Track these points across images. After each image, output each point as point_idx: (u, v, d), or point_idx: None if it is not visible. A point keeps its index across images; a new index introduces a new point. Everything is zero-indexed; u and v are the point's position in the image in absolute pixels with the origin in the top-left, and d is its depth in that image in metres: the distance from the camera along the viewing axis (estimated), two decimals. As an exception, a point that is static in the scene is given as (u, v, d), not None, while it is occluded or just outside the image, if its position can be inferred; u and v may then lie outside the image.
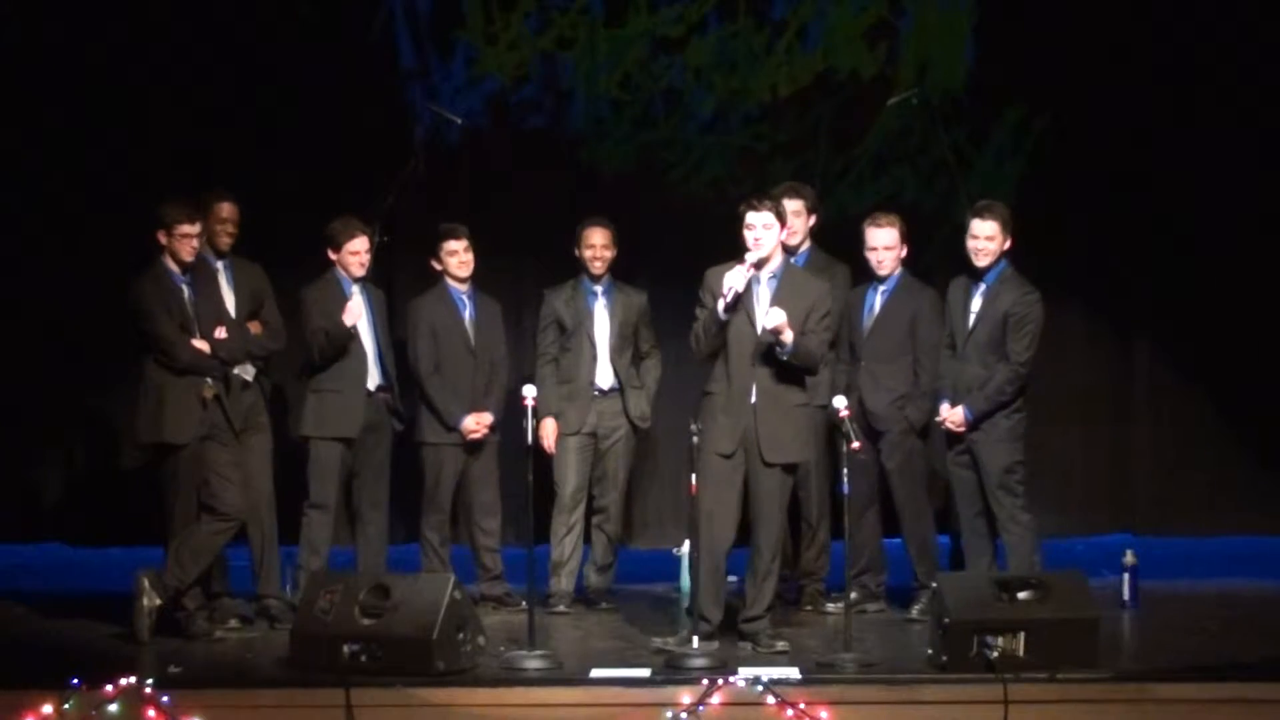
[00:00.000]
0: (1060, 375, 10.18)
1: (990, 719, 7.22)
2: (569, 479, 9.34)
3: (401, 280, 10.06)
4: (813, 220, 9.18)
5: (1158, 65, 10.38)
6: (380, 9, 10.52)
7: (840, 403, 7.99)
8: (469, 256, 9.25)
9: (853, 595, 8.41)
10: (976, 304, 8.71)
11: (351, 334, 8.98)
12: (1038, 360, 8.76)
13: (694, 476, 7.92)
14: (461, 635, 7.59)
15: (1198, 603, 9.39)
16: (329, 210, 9.21)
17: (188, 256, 8.45)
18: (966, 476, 8.73)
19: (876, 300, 9.03)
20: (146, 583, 8.28)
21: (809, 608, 9.12)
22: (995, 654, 7.45)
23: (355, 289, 9.04)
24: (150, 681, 7.26)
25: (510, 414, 9.11)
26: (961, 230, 8.82)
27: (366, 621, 7.62)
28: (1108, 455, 10.57)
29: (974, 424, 8.64)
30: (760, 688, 7.21)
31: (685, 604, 8.21)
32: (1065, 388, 10.35)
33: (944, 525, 9.26)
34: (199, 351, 8.43)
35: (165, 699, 7.19)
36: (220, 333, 8.51)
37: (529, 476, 7.99)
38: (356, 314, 8.98)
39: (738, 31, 10.51)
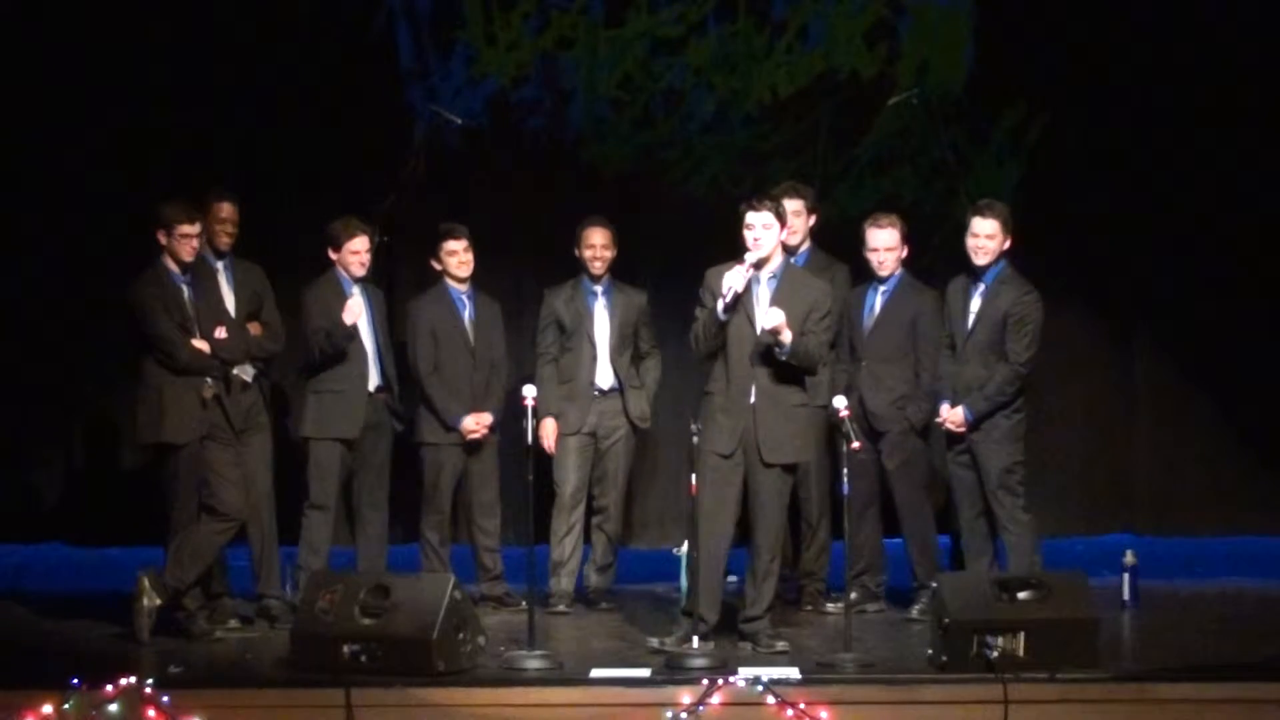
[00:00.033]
0: (1060, 375, 10.19)
1: (990, 719, 7.22)
2: (569, 479, 9.34)
3: (401, 280, 10.07)
4: (813, 220, 9.18)
5: (1158, 65, 10.38)
6: (380, 9, 10.52)
7: (840, 403, 7.99)
8: (469, 256, 9.25)
9: (853, 595, 8.41)
10: (976, 304, 8.72)
11: (352, 334, 8.98)
12: (1038, 360, 8.76)
13: (694, 476, 7.92)
14: (461, 635, 7.58)
15: (1198, 603, 9.40)
16: (329, 210, 9.22)
17: (188, 256, 8.45)
18: (966, 476, 8.74)
19: (877, 300, 9.03)
20: (146, 583, 8.28)
21: (809, 608, 9.12)
22: (995, 654, 7.45)
23: (355, 289, 9.04)
24: (150, 681, 7.26)
25: (510, 414, 9.11)
26: (961, 230, 8.83)
27: (366, 621, 7.62)
28: (1108, 455, 10.57)
29: (974, 424, 8.64)
30: (760, 688, 7.21)
31: (683, 604, 8.19)
32: (1065, 388, 10.35)
33: (944, 525, 9.26)
34: (199, 351, 8.43)
35: (165, 699, 7.19)
36: (220, 333, 8.51)
37: (529, 476, 7.98)
38: (356, 313, 8.98)
39: (738, 31, 10.51)
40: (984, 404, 8.63)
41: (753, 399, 8.04)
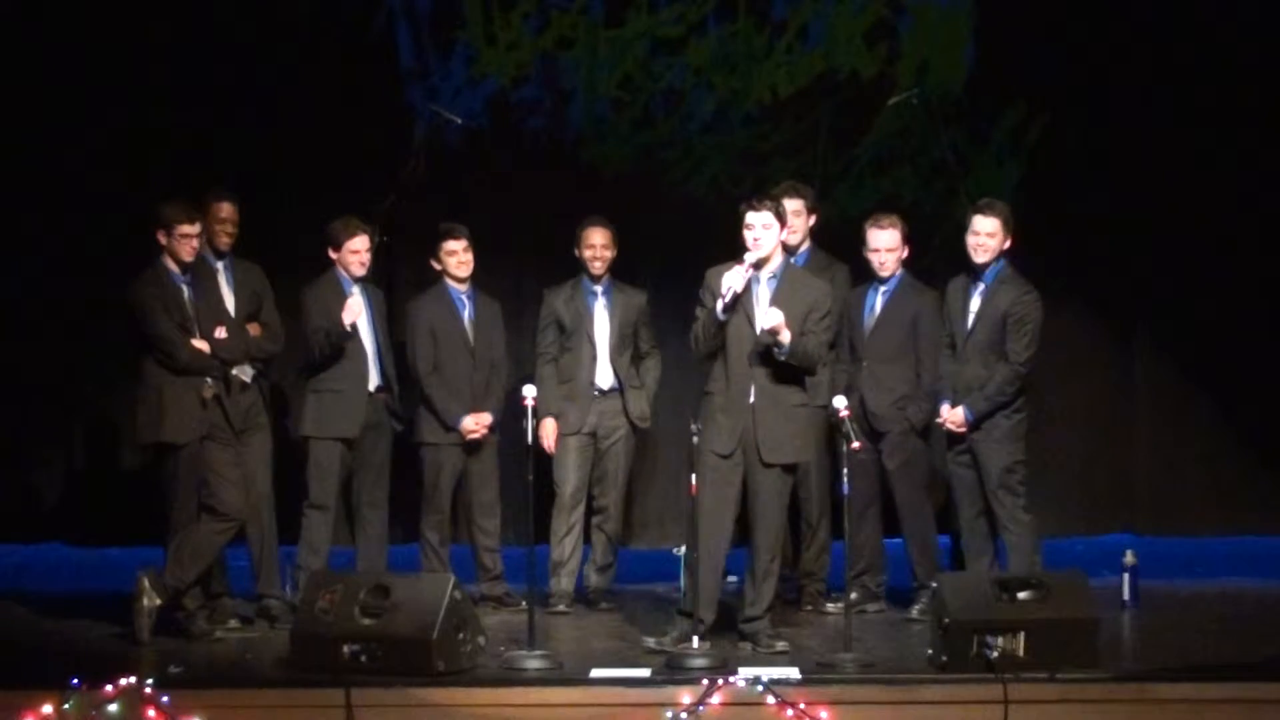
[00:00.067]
0: (1060, 375, 10.18)
1: (990, 719, 7.22)
2: (569, 479, 9.34)
3: (401, 280, 10.07)
4: (813, 220, 9.18)
5: (1158, 65, 10.38)
6: (380, 9, 10.52)
7: (840, 403, 7.98)
8: (468, 256, 9.25)
9: (853, 595, 8.41)
10: (975, 304, 8.72)
11: (351, 334, 8.98)
12: (1037, 360, 8.76)
13: (694, 476, 7.91)
14: (461, 635, 7.58)
15: (1198, 603, 9.40)
16: (329, 210, 9.21)
17: (187, 256, 8.45)
18: (967, 476, 8.74)
19: (878, 301, 9.03)
20: (146, 583, 8.27)
21: (809, 608, 9.12)
22: (995, 654, 7.45)
23: (355, 289, 9.04)
24: (150, 681, 7.26)
25: (510, 414, 9.11)
26: (962, 230, 8.83)
27: (366, 621, 7.62)
28: (1108, 455, 10.57)
29: (974, 424, 8.64)
30: (760, 688, 7.21)
31: (680, 604, 8.18)
32: (1065, 388, 10.34)
33: (944, 525, 9.26)
34: (199, 351, 8.42)
35: (165, 699, 7.19)
36: (220, 333, 8.51)
37: (529, 476, 7.98)
38: (356, 312, 8.98)
39: (738, 31, 10.51)
40: (984, 404, 8.63)
41: (752, 399, 8.04)
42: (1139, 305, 10.55)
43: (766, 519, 8.09)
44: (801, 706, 7.14)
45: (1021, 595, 7.71)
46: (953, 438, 8.74)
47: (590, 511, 9.45)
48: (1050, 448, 10.12)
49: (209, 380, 8.45)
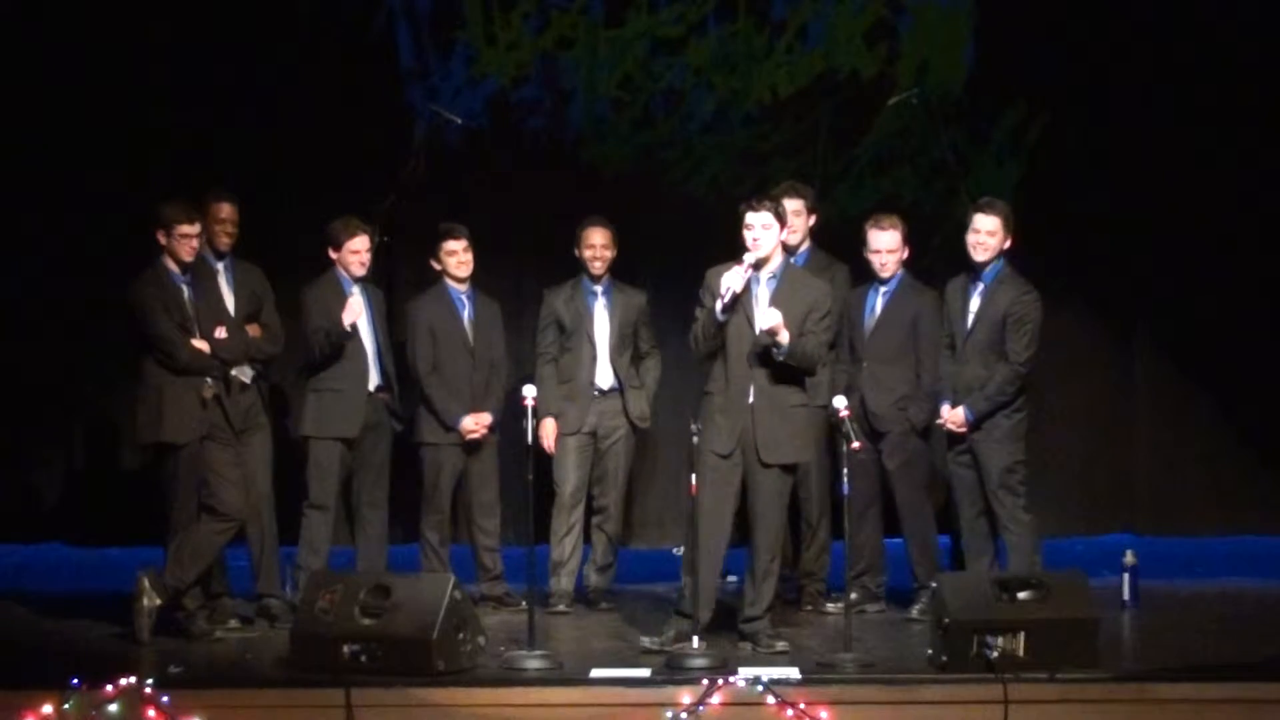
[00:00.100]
0: (1060, 375, 10.19)
1: (990, 719, 7.22)
2: (569, 479, 9.34)
3: (401, 280, 10.06)
4: (813, 220, 9.18)
5: (1158, 65, 10.38)
6: (380, 9, 10.52)
7: (840, 403, 7.98)
8: (468, 256, 9.25)
9: (853, 596, 8.41)
10: (975, 304, 8.72)
11: (351, 334, 8.98)
12: (1037, 360, 8.76)
13: (694, 477, 7.91)
14: (461, 635, 7.58)
15: (1198, 603, 9.40)
16: (329, 210, 9.21)
17: (187, 256, 8.45)
18: (967, 476, 8.74)
19: (878, 301, 9.03)
20: (146, 583, 8.28)
21: (809, 608, 9.12)
22: (995, 654, 7.45)
23: (355, 289, 9.04)
24: (150, 681, 7.26)
25: (510, 414, 9.11)
26: (962, 230, 8.83)
27: (366, 621, 7.62)
28: (1108, 455, 10.57)
29: (975, 424, 8.64)
30: (760, 688, 7.21)
31: (677, 604, 8.17)
32: (1065, 388, 10.34)
33: (944, 525, 9.26)
34: (199, 351, 8.42)
35: (165, 699, 7.19)
36: (220, 333, 8.51)
37: (529, 476, 7.98)
38: (356, 313, 8.98)
39: (738, 31, 10.51)
40: (984, 404, 8.63)
41: (751, 399, 8.04)
42: (1139, 305, 10.55)
43: (766, 519, 8.09)
44: (801, 706, 7.14)
45: (1021, 595, 7.71)
46: (953, 438, 8.74)
47: (590, 511, 9.45)
48: (1050, 447, 10.12)
49: (209, 380, 8.45)
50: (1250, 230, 10.36)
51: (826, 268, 9.06)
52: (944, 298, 8.90)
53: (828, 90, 10.53)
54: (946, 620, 7.53)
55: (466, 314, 9.31)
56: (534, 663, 7.64)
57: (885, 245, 8.94)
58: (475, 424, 9.18)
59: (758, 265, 8.03)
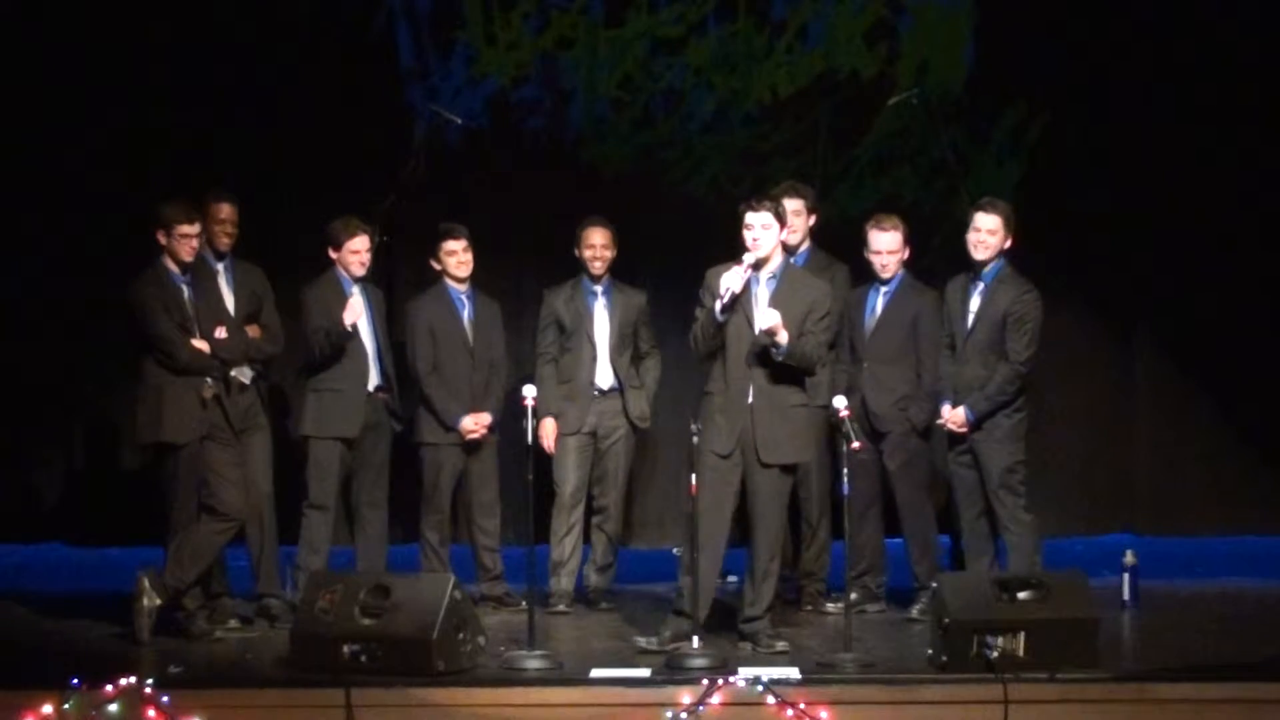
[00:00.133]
0: (1061, 374, 10.18)
1: (990, 719, 7.22)
2: (569, 479, 9.34)
3: (401, 280, 10.06)
4: (813, 220, 9.18)
5: (1157, 64, 10.38)
6: (380, 9, 10.52)
7: (840, 403, 7.97)
8: (468, 256, 9.25)
9: (853, 596, 8.40)
10: (975, 303, 8.72)
11: (352, 333, 8.98)
12: (1038, 359, 8.76)
13: (694, 477, 7.91)
14: (461, 635, 7.58)
15: (1198, 603, 9.39)
16: (329, 210, 9.21)
17: (187, 257, 8.45)
18: (968, 476, 8.74)
19: (879, 301, 9.02)
20: (146, 583, 8.27)
21: (809, 608, 9.12)
22: (995, 654, 7.45)
23: (355, 288, 9.05)
24: (150, 681, 7.26)
25: (510, 414, 9.11)
26: (962, 229, 8.83)
27: (366, 621, 7.62)
28: (1108, 455, 10.56)
29: (976, 424, 8.64)
30: (760, 688, 7.20)
31: (678, 604, 8.16)
32: (1065, 387, 10.34)
33: (944, 525, 9.26)
34: (199, 351, 8.42)
35: (165, 699, 7.19)
36: (220, 333, 8.51)
37: (529, 476, 7.98)
38: (357, 312, 8.98)
39: (738, 31, 10.51)
40: (985, 403, 8.63)
41: (750, 399, 8.04)
42: (1139, 304, 10.55)
43: (766, 519, 8.08)
44: (801, 706, 7.13)
45: (1021, 595, 7.71)
46: (953, 438, 8.74)
47: (590, 511, 9.45)
48: (1050, 447, 10.12)
49: (209, 380, 8.45)
50: (1251, 229, 10.36)
51: (826, 268, 9.05)
52: (944, 297, 8.90)
53: (828, 90, 10.53)
54: (946, 620, 7.53)
55: (466, 314, 9.31)
56: (534, 663, 7.64)
57: (886, 246, 8.94)
58: (475, 424, 9.18)
59: (757, 265, 8.03)
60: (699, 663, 7.55)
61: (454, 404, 9.20)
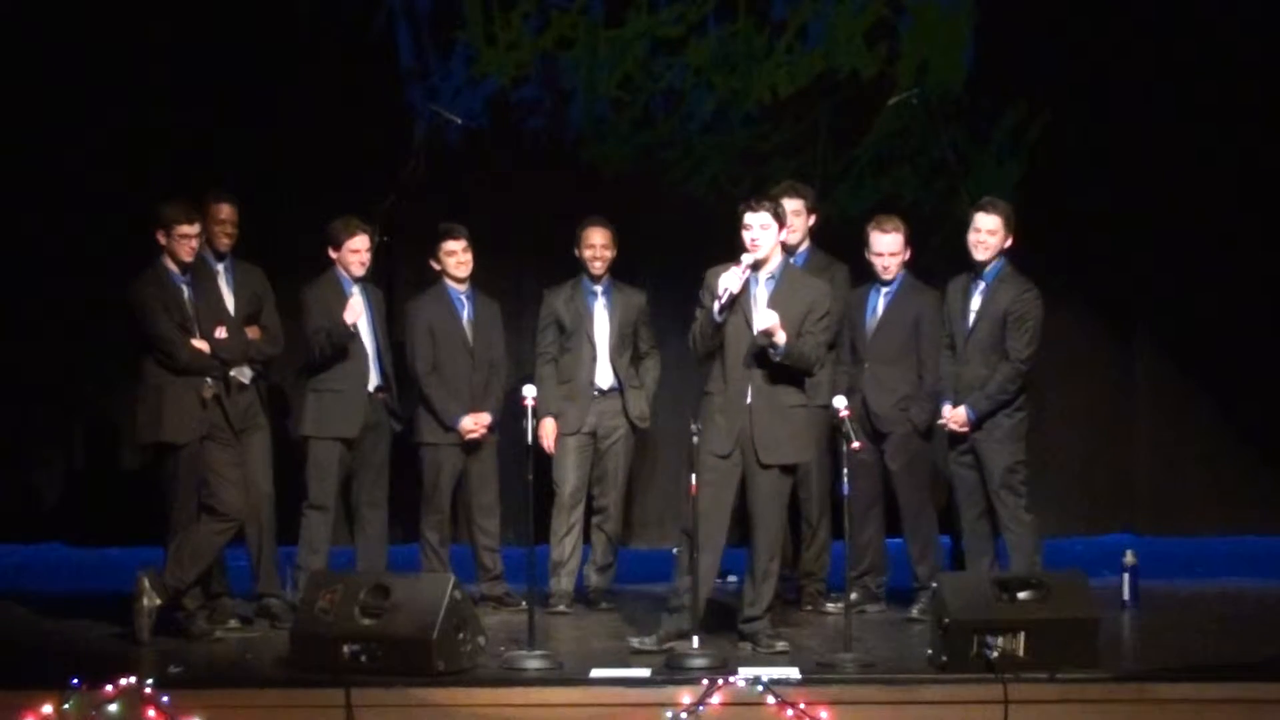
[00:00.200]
0: (1061, 374, 10.19)
1: (990, 719, 7.22)
2: (568, 479, 9.34)
3: (401, 280, 10.07)
4: (812, 220, 9.17)
5: (1157, 64, 10.38)
6: (380, 9, 10.52)
7: (840, 403, 7.97)
8: (467, 257, 9.25)
9: (853, 596, 8.40)
10: (976, 303, 8.72)
11: (352, 333, 8.98)
12: (1038, 358, 8.76)
13: (694, 477, 7.91)
14: (461, 635, 7.58)
15: (1198, 603, 9.39)
16: (329, 210, 9.21)
17: (186, 257, 8.45)
18: (969, 476, 8.73)
19: (880, 301, 9.02)
20: (146, 583, 8.27)
21: (809, 608, 9.12)
22: (995, 654, 7.45)
23: (355, 288, 9.05)
24: (150, 681, 7.26)
25: (510, 414, 9.11)
26: (962, 229, 8.83)
27: (366, 621, 7.62)
28: (1108, 455, 10.57)
29: (977, 423, 8.64)
30: (760, 688, 7.20)
31: (674, 604, 8.15)
32: (1066, 387, 10.34)
33: (944, 525, 9.26)
34: (199, 351, 8.42)
35: (165, 699, 7.18)
36: (220, 333, 8.51)
37: (529, 476, 7.98)
38: (358, 312, 8.99)
39: (738, 31, 10.51)
40: (986, 402, 8.62)
41: (749, 400, 8.03)
42: (1140, 303, 10.55)
43: (765, 520, 8.08)
44: (801, 706, 7.13)
45: (1021, 595, 7.71)
46: (954, 438, 8.74)
47: (590, 511, 9.45)
48: (1051, 447, 10.12)
49: (209, 380, 8.45)
50: (1251, 229, 10.36)
51: (826, 268, 9.05)
52: (945, 298, 8.90)
53: (828, 90, 10.53)
54: (946, 620, 7.53)
55: (466, 314, 9.31)
56: (534, 663, 7.64)
57: (888, 248, 8.94)
58: (474, 424, 9.18)
59: (756, 266, 8.02)
60: (699, 663, 7.54)
61: (453, 404, 9.20)
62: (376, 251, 9.24)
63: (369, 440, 9.07)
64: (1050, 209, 10.13)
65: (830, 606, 9.02)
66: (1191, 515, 10.50)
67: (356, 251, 9.02)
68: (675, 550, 8.27)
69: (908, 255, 9.01)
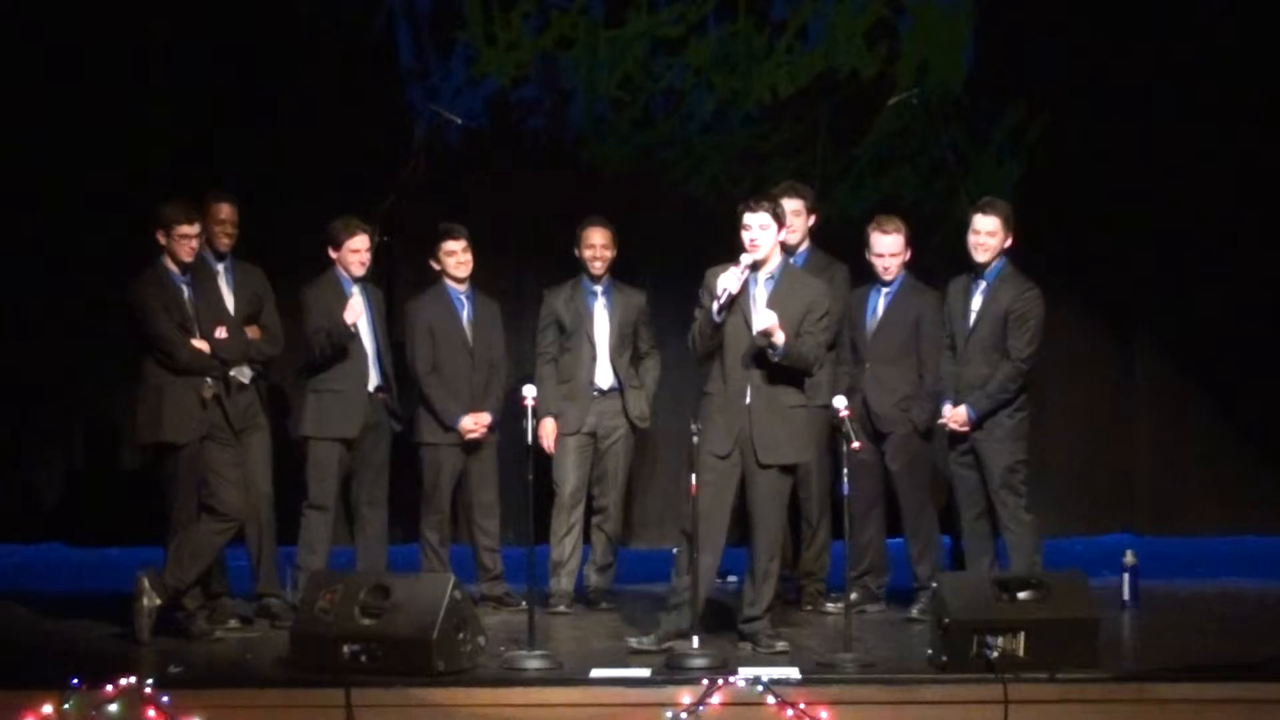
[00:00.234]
0: (1061, 374, 10.19)
1: (990, 719, 7.22)
2: (568, 479, 9.34)
3: (401, 280, 10.07)
4: (812, 220, 9.17)
5: (1157, 64, 10.38)
6: (380, 9, 10.52)
7: (840, 403, 7.97)
8: (467, 257, 9.25)
9: (853, 596, 8.40)
10: (977, 303, 8.72)
11: (353, 333, 8.98)
12: (1039, 357, 8.76)
13: (694, 477, 7.91)
14: (461, 635, 7.58)
15: (1198, 603, 9.39)
16: (329, 210, 9.21)
17: (186, 257, 8.45)
18: (969, 476, 8.73)
19: (880, 302, 9.02)
20: (146, 583, 8.27)
21: (809, 608, 9.12)
22: (995, 654, 7.45)
23: (355, 289, 9.05)
24: (150, 681, 7.26)
25: (510, 414, 9.11)
26: (962, 229, 8.83)
27: (366, 621, 7.62)
28: (1108, 455, 10.57)
29: (977, 423, 8.64)
30: (760, 688, 7.20)
31: (672, 603, 8.15)
32: (1066, 387, 10.34)
33: (945, 525, 9.26)
34: (199, 351, 8.43)
35: (165, 699, 7.19)
36: (220, 333, 8.51)
37: (529, 476, 7.98)
38: (358, 312, 8.99)
39: (738, 31, 10.52)
40: (987, 402, 8.62)
41: (748, 400, 8.03)
42: (1140, 303, 10.55)
43: (765, 520, 8.08)
44: (801, 706, 7.13)
45: (1021, 595, 7.70)
46: (955, 438, 8.74)
47: (590, 511, 9.45)
48: (1051, 447, 10.11)
49: (209, 380, 8.45)
50: (1251, 228, 10.36)
51: (826, 268, 9.05)
52: (945, 298, 8.90)
53: (828, 90, 10.53)
54: (946, 620, 7.53)
55: (466, 314, 9.31)
56: (534, 663, 7.64)
57: (888, 249, 8.93)
58: (474, 424, 9.18)
59: (755, 266, 8.01)
60: (699, 663, 7.54)
61: (453, 404, 9.20)
62: (376, 251, 9.24)
63: (369, 440, 9.07)
64: (1050, 209, 10.14)
65: (830, 606, 9.02)
66: (1191, 515, 10.50)
67: (356, 251, 9.02)
68: (675, 550, 8.27)
69: (908, 256, 9.01)
